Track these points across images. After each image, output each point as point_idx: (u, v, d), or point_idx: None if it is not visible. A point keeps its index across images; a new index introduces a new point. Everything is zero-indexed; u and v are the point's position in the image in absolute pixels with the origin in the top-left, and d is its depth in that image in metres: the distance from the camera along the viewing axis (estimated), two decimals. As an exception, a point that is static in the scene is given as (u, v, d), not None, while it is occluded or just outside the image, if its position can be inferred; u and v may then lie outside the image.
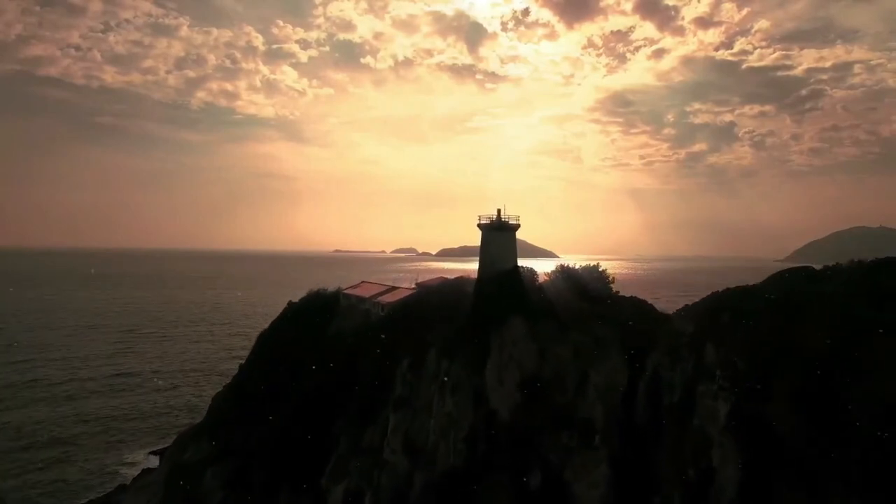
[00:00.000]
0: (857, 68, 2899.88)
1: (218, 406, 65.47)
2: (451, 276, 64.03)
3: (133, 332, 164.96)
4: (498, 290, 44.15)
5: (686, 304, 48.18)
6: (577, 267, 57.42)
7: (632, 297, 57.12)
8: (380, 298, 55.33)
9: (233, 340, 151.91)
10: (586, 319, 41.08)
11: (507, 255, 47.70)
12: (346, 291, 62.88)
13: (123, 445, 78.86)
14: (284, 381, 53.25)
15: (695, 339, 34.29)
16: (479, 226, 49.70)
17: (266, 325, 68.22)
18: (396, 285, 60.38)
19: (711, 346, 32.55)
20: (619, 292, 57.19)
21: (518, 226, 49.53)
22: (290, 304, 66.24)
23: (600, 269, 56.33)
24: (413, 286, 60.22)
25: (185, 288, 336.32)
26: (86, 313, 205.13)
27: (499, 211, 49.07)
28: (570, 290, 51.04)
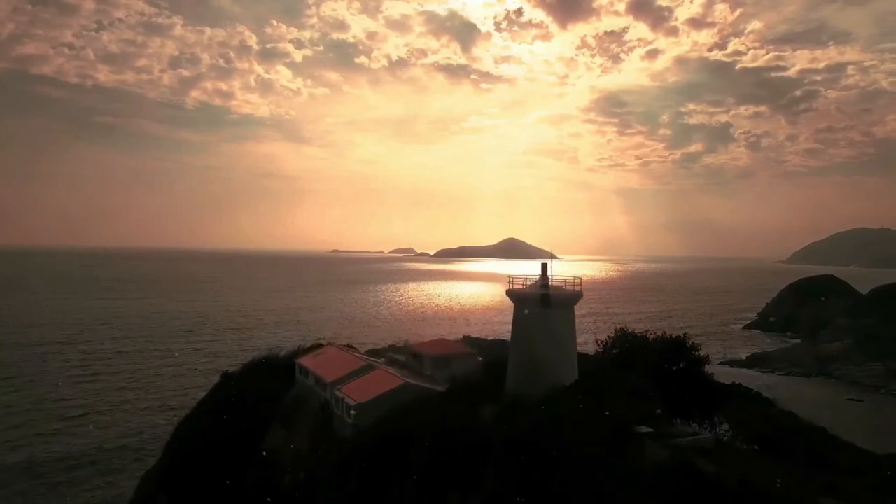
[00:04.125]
0: (850, 69, 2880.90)
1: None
2: (451, 338, 45.18)
3: (103, 352, 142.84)
4: (557, 439, 23.31)
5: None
6: (647, 336, 37.73)
7: (740, 385, 37.32)
8: (345, 389, 35.32)
9: (207, 367, 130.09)
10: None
11: (562, 355, 26.73)
12: (303, 362, 43.12)
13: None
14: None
15: None
16: (511, 294, 29.16)
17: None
18: (375, 361, 40.56)
19: None
20: (712, 374, 37.61)
21: (580, 294, 29.20)
22: (225, 376, 46.50)
23: (686, 342, 36.51)
24: (400, 361, 40.75)
25: (175, 293, 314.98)
26: (62, 324, 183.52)
27: (545, 267, 28.50)
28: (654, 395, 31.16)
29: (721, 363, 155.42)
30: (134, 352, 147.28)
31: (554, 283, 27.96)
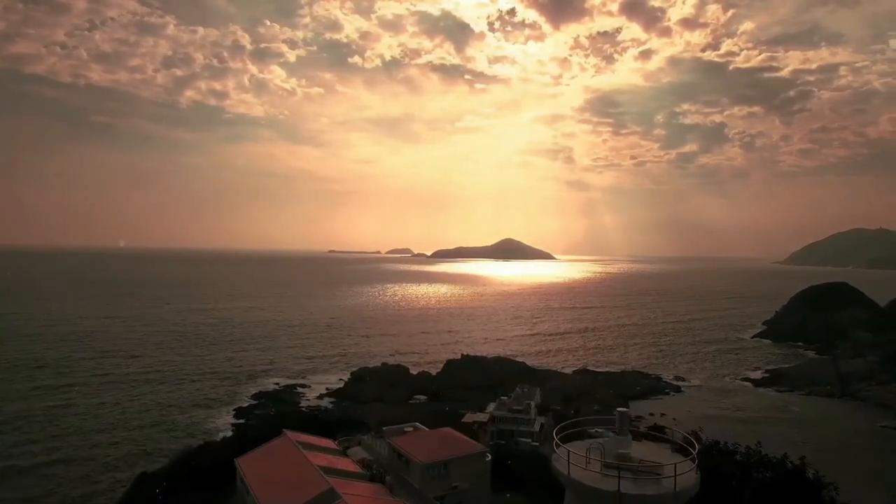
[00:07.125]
0: (842, 70, 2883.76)
1: None
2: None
3: (81, 374, 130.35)
4: None
5: None
6: (738, 450, 26.16)
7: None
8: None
9: (184, 399, 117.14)
10: None
11: None
12: (244, 468, 31.74)
13: None
14: None
15: None
16: (566, 481, 15.48)
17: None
18: (339, 479, 29.34)
19: None
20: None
21: (696, 486, 15.57)
22: (144, 479, 35.66)
23: (806, 471, 24.80)
24: (383, 457, 29.70)
25: (166, 298, 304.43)
26: (44, 336, 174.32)
27: (623, 417, 16.27)
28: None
29: (739, 381, 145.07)
30: (113, 374, 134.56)
31: (641, 458, 14.05)
